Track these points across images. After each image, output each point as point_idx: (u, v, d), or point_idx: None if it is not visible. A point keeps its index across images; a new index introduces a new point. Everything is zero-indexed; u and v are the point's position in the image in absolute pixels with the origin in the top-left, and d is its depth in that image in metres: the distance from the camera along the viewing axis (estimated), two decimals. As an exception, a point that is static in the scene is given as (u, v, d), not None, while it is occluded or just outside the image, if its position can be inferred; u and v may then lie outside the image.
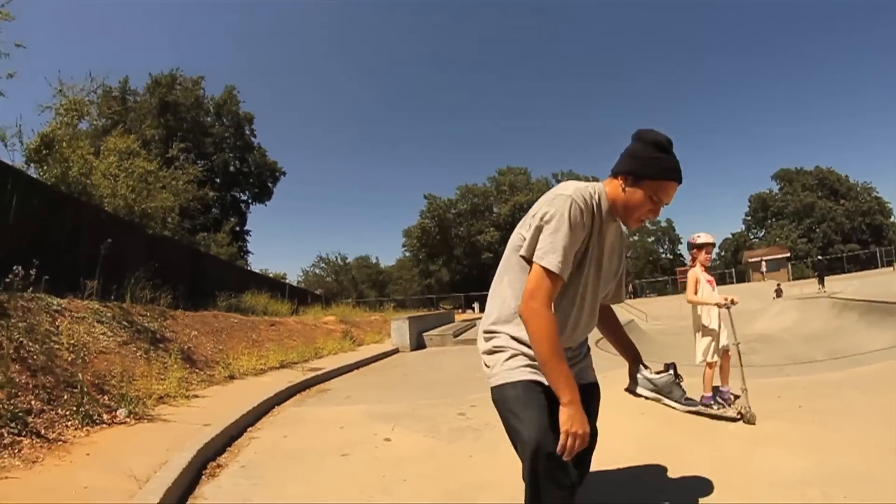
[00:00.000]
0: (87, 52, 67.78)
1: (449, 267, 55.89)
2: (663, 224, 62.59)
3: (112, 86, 28.42)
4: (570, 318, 1.89)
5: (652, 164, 1.77)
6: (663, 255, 62.57)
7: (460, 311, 37.04)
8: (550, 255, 1.70)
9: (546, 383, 1.77)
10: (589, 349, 2.21)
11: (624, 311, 26.76)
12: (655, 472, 3.27)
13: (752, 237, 65.05)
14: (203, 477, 3.58)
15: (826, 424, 3.91)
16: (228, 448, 4.28)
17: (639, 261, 57.53)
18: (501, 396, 1.83)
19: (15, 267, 5.24)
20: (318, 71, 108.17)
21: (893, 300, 9.92)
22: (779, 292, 25.63)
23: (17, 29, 8.32)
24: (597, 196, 1.84)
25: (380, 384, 8.15)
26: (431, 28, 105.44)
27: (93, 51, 68.15)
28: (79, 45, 69.41)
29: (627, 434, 4.01)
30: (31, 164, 9.43)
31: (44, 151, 9.43)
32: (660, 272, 57.22)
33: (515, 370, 1.82)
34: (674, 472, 3.24)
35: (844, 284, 22.20)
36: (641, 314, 26.24)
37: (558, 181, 57.28)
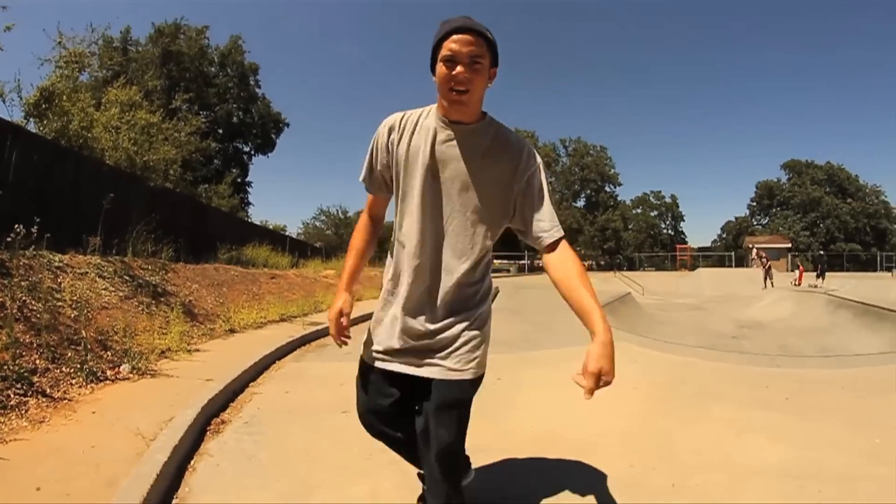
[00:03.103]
0: (88, 3, 65.72)
1: (450, 229, 55.81)
2: (667, 199, 61.91)
3: (113, 36, 27.66)
4: (416, 240, 1.73)
5: (435, 38, 1.61)
6: (664, 231, 62.04)
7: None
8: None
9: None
10: (479, 324, 1.82)
11: (621, 284, 26.96)
12: (642, 449, 3.34)
13: (755, 223, 64.54)
14: (208, 433, 3.64)
15: (810, 419, 4.00)
16: (231, 404, 4.34)
17: (640, 234, 57.10)
18: None
19: (16, 226, 5.20)
20: (325, 20, 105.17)
21: (889, 306, 10.07)
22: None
23: None
24: (423, 111, 1.76)
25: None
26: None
27: (94, 1, 66.16)
28: None
29: (618, 409, 4.13)
30: (31, 119, 9.35)
31: (43, 106, 9.33)
32: (660, 247, 56.99)
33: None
34: (660, 450, 3.32)
35: (842, 282, 22.29)
36: (638, 287, 26.37)
37: (566, 147, 56.55)
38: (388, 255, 1.90)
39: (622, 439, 3.51)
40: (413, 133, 1.72)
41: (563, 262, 1.70)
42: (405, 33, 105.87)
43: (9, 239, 5.26)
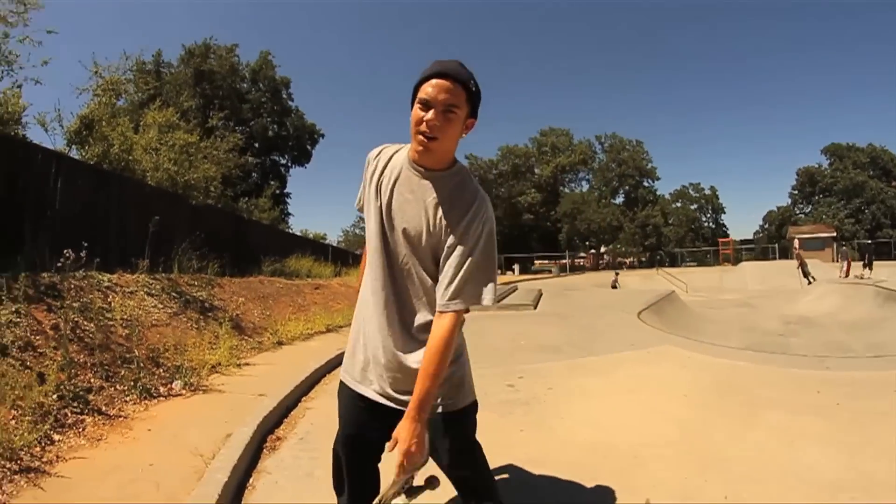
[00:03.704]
0: (120, 32, 68.34)
1: (490, 228, 55.53)
2: (707, 191, 60.01)
3: (146, 61, 28.51)
4: (377, 276, 1.69)
5: (418, 78, 1.58)
6: (705, 224, 60.12)
7: (500, 272, 36.94)
8: None
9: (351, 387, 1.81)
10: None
11: (664, 282, 26.42)
12: (695, 459, 3.30)
13: (797, 212, 61.98)
14: (264, 450, 3.58)
15: (863, 427, 3.82)
16: (285, 419, 4.28)
17: (680, 228, 55.54)
18: None
19: (66, 251, 5.30)
20: (355, 29, 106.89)
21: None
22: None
23: (48, 16, 8.29)
24: (400, 149, 1.73)
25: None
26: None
27: (125, 30, 68.75)
28: (111, 26, 69.95)
29: (669, 417, 4.13)
30: (73, 146, 9.55)
31: (84, 132, 9.53)
32: (701, 241, 55.36)
33: None
34: (712, 460, 3.28)
35: (891, 272, 21.28)
36: (682, 284, 25.84)
37: (601, 144, 55.69)
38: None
39: (675, 449, 3.47)
40: (384, 169, 1.70)
41: (432, 337, 1.56)
42: (435, 36, 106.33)
43: (59, 264, 5.34)
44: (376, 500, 1.64)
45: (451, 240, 1.58)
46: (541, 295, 15.50)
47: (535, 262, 46.50)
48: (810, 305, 15.75)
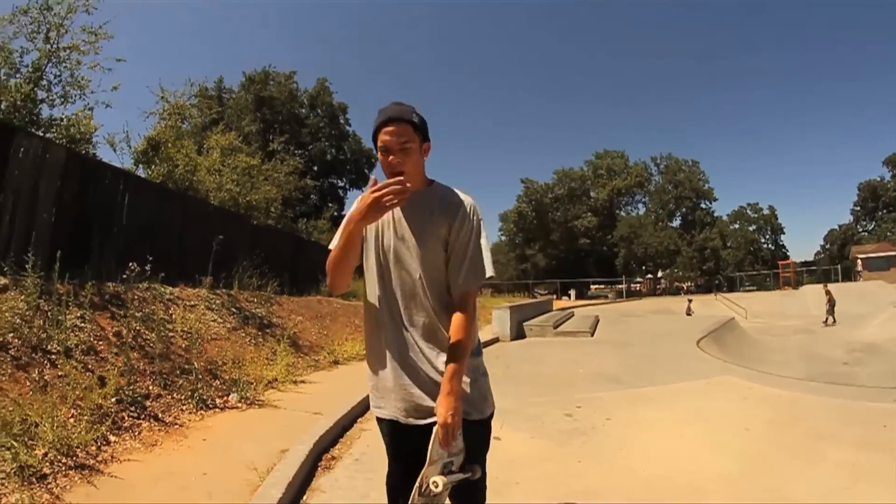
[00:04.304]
0: (184, 58, 72.38)
1: (545, 252, 54.28)
2: (765, 211, 57.26)
3: (208, 87, 29.83)
4: (376, 298, 1.86)
5: (373, 127, 1.81)
6: (764, 246, 56.99)
7: (556, 297, 36.32)
8: None
9: (383, 416, 1.85)
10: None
11: (723, 307, 25.28)
12: (755, 496, 3.12)
13: (860, 230, 57.76)
14: (319, 468, 3.45)
15: None
16: (341, 439, 4.16)
17: (738, 251, 52.93)
18: None
19: (131, 263, 5.42)
20: (410, 53, 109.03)
21: None
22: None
23: (116, 45, 8.77)
24: None
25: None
26: (526, 8, 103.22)
27: (189, 56, 72.77)
28: (176, 53, 74.21)
29: (729, 451, 3.93)
30: (140, 165, 10.00)
31: (150, 153, 9.99)
32: (760, 264, 52.72)
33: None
34: (772, 498, 3.10)
35: None
36: (741, 310, 24.64)
37: (657, 165, 54.14)
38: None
39: (734, 485, 3.30)
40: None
41: (457, 316, 1.76)
42: (487, 61, 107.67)
43: (124, 275, 5.44)
44: (417, 480, 1.63)
45: (452, 236, 1.82)
46: (598, 321, 15.06)
47: (592, 287, 45.52)
48: (876, 330, 14.66)
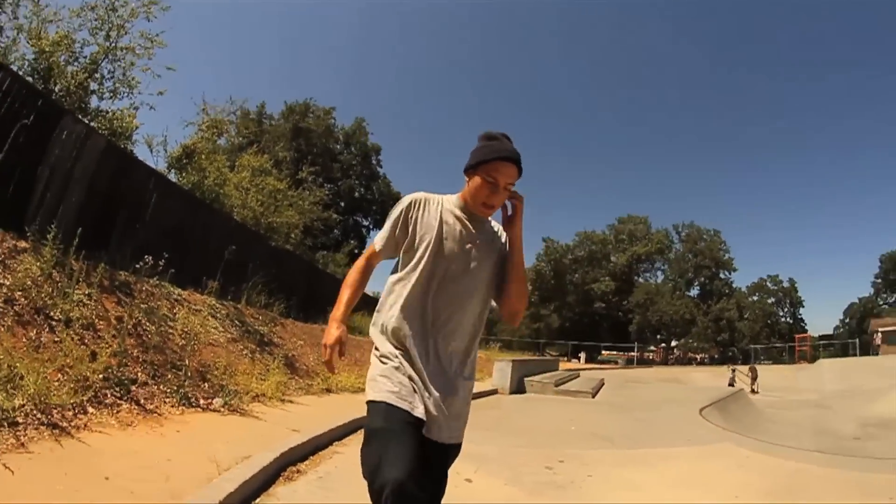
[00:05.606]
0: (229, 78, 75.23)
1: (560, 313, 53.57)
2: (785, 284, 56.12)
3: (250, 109, 31.01)
4: (418, 298, 1.89)
5: (482, 150, 1.89)
6: (782, 319, 55.39)
7: (565, 359, 35.79)
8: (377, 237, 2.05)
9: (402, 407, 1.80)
10: (464, 388, 1.99)
11: (737, 382, 24.64)
12: None
13: (881, 303, 56.16)
14: (281, 478, 3.47)
15: None
16: (312, 457, 4.17)
17: (755, 323, 51.64)
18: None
19: (146, 256, 5.62)
20: (445, 108, 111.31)
21: None
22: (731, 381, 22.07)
23: (169, 53, 9.35)
24: (443, 199, 2.01)
25: (472, 423, 7.62)
26: (554, 71, 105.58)
27: (234, 77, 75.72)
28: (223, 71, 77.12)
29: None
30: (172, 170, 10.42)
31: (184, 160, 10.41)
32: (777, 337, 51.17)
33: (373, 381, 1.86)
34: None
35: None
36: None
37: (678, 233, 53.33)
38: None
39: None
40: (432, 213, 1.95)
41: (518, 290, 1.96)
42: (517, 117, 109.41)
43: (137, 266, 5.64)
44: None
45: (501, 248, 2.00)
46: (602, 384, 14.87)
47: (603, 352, 44.76)
48: (892, 406, 14.08)
